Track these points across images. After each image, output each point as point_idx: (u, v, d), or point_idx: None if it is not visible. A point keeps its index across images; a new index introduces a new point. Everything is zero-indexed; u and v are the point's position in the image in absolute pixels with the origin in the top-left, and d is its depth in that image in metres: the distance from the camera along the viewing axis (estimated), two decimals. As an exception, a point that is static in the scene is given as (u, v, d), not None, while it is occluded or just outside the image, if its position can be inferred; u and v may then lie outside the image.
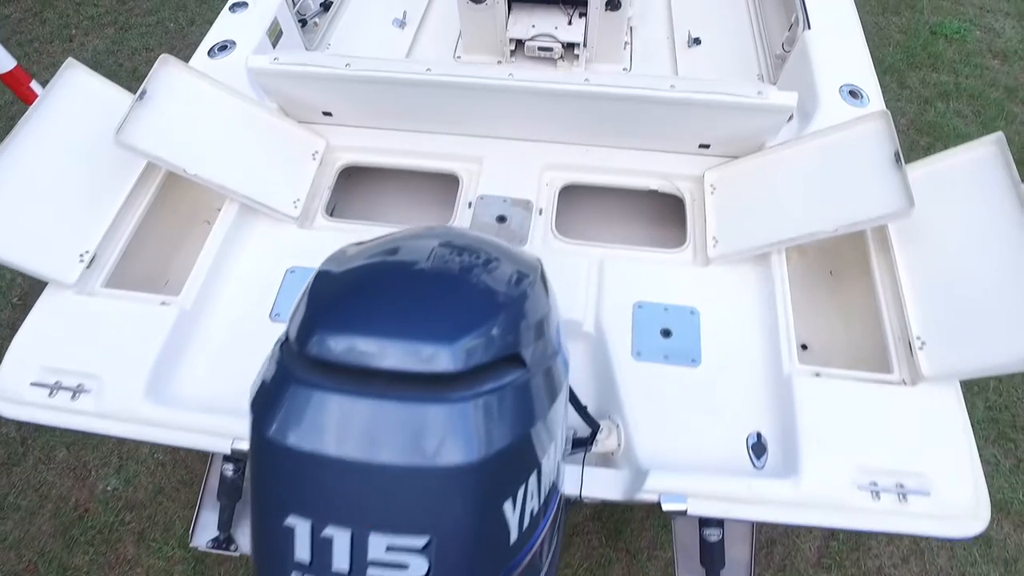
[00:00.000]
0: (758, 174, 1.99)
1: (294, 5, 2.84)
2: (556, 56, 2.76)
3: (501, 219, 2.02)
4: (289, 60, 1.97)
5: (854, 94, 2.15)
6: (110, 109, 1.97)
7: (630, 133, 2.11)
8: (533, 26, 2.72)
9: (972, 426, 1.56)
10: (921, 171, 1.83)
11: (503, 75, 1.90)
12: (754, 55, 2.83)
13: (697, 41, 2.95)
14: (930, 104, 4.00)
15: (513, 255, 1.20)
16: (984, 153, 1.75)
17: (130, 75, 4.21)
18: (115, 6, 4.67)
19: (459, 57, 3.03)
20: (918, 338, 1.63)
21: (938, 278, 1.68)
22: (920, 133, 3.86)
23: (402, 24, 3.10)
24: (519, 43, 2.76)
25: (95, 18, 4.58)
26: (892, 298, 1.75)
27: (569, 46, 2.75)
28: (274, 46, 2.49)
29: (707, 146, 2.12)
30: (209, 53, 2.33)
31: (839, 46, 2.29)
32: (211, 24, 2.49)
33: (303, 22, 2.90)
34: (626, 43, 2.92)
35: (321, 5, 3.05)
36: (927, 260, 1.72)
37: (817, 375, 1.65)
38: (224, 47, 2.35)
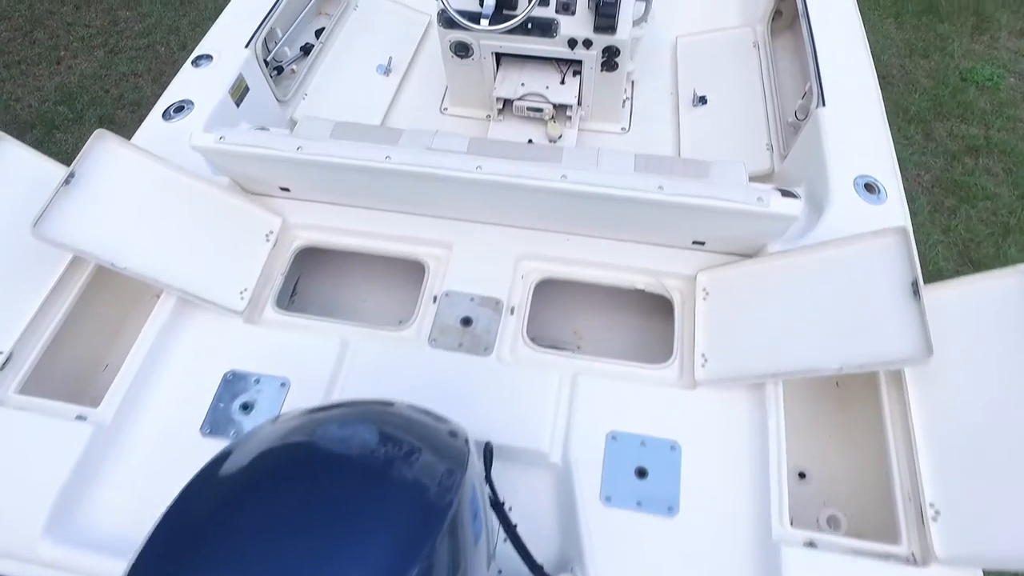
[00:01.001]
0: (756, 284, 1.76)
1: (269, 51, 2.66)
2: (546, 117, 2.55)
3: (466, 322, 1.82)
4: (235, 140, 1.77)
5: (870, 188, 1.91)
6: (39, 188, 1.79)
7: (615, 225, 1.89)
8: (523, 84, 2.51)
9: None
10: (944, 294, 1.59)
11: (470, 168, 1.69)
12: (764, 120, 2.59)
13: (703, 100, 2.72)
14: (957, 159, 3.73)
15: (439, 448, 1.00)
16: (1019, 283, 1.51)
17: (115, 102, 4.07)
18: (107, 27, 4.53)
19: (446, 109, 2.84)
20: (931, 505, 1.40)
21: (959, 433, 1.44)
22: (945, 192, 3.59)
23: (387, 71, 2.90)
24: (508, 101, 2.55)
25: (85, 39, 4.44)
26: (904, 447, 1.52)
27: (561, 106, 2.53)
28: (238, 104, 2.30)
29: (702, 243, 1.89)
30: (164, 115, 2.15)
31: (856, 128, 2.05)
32: None
33: (279, 69, 2.71)
34: (625, 100, 2.70)
35: (301, 49, 2.86)
36: (946, 409, 1.48)
37: (811, 544, 1.42)
38: (181, 108, 2.17)
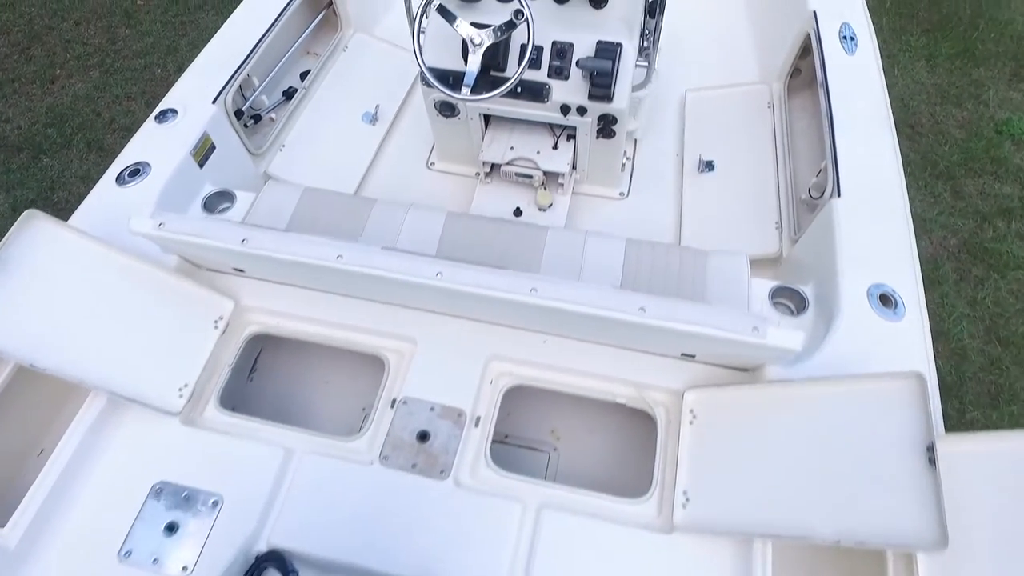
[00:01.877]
0: (749, 414, 1.55)
1: (246, 98, 2.50)
2: (537, 184, 2.35)
3: (423, 437, 1.63)
4: (176, 228, 1.61)
5: (886, 300, 1.69)
6: None
7: (596, 332, 1.69)
8: (512, 148, 2.32)
9: None
10: (966, 450, 1.38)
11: (430, 274, 1.50)
12: (775, 193, 2.38)
13: (710, 165, 2.51)
14: (988, 222, 3.47)
15: None
16: None
17: (106, 126, 3.94)
18: (104, 45, 4.41)
19: (433, 164, 2.65)
20: None
21: None
22: (973, 259, 3.33)
23: (374, 119, 2.73)
24: (496, 165, 2.36)
25: (82, 58, 4.32)
26: None
27: (553, 173, 2.34)
28: (202, 165, 2.14)
29: (692, 356, 1.69)
30: (118, 179, 1.99)
31: (875, 226, 1.83)
32: None
33: (256, 118, 2.55)
34: (625, 163, 2.50)
35: (284, 94, 2.70)
36: None
37: None
38: (136, 171, 2.01)
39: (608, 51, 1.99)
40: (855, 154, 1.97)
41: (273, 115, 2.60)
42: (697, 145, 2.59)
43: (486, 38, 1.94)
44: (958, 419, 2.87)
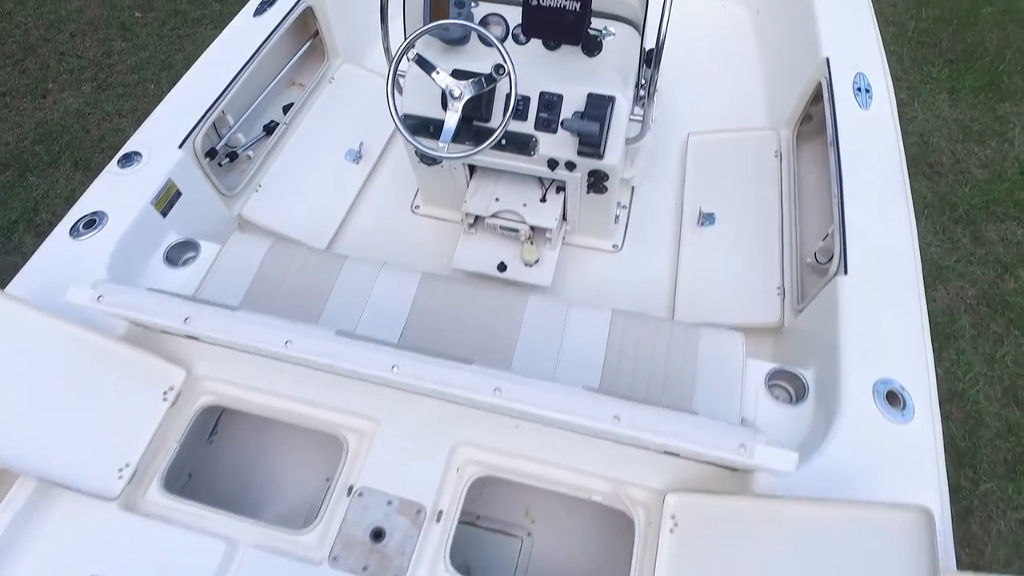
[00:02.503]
0: (735, 529, 1.40)
1: (221, 136, 2.37)
2: (522, 238, 2.21)
3: (377, 535, 1.49)
4: (115, 301, 1.48)
5: (893, 398, 1.53)
6: None
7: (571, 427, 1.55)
8: (497, 199, 2.17)
9: None
10: None
11: (385, 367, 1.36)
12: (778, 252, 2.21)
13: (710, 219, 2.35)
14: (1010, 272, 3.27)
15: None
16: None
17: (95, 145, 3.85)
18: (99, 59, 4.32)
19: (418, 208, 2.52)
20: None
21: None
22: (993, 312, 3.14)
23: (358, 157, 2.60)
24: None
25: (75, 72, 4.23)
26: None
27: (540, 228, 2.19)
28: (165, 214, 2.02)
29: (675, 454, 1.54)
30: (72, 231, 1.87)
31: (884, 310, 1.67)
32: None
33: (233, 155, 2.43)
34: (618, 215, 2.35)
35: (264, 128, 2.57)
36: None
37: None
38: (92, 222, 1.89)
39: (599, 105, 1.84)
40: (866, 227, 1.81)
41: (251, 152, 2.48)
42: (698, 195, 2.43)
43: (466, 91, 1.80)
44: (971, 490, 2.69)
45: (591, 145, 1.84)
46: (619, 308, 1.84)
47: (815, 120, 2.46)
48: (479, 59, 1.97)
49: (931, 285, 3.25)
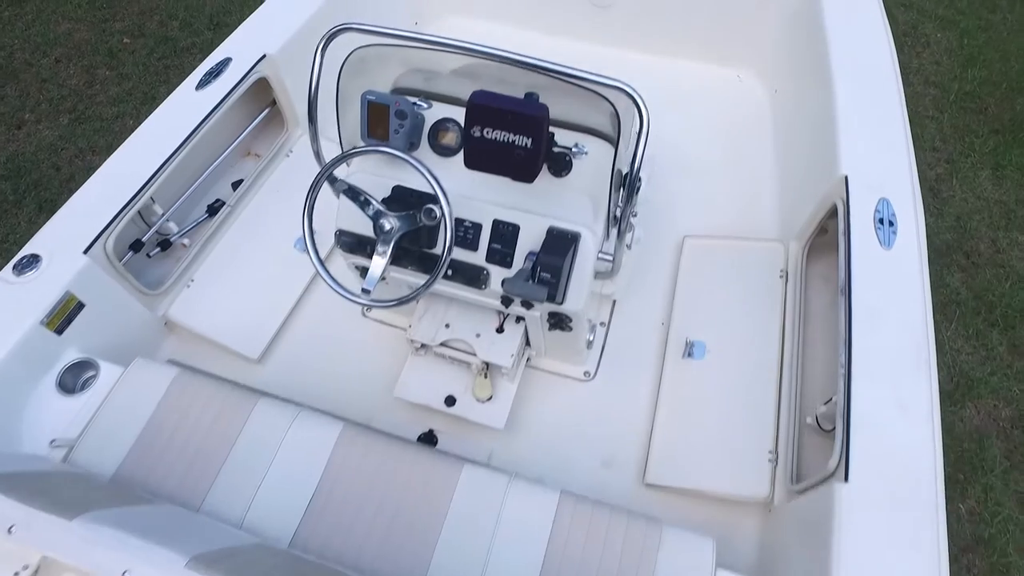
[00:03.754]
0: None
1: (150, 225, 2.12)
2: (476, 371, 1.91)
3: None
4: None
5: None
6: None
7: None
8: (447, 326, 1.88)
9: None
10: None
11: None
12: (773, 405, 1.88)
13: (698, 349, 2.03)
14: (1052, 391, 2.89)
15: None
16: None
17: (64, 184, 3.64)
18: (80, 88, 4.12)
19: (369, 310, 2.23)
20: None
21: None
22: (1029, 440, 2.76)
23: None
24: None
25: (54, 101, 4.04)
26: None
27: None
28: (61, 332, 1.76)
29: None
30: None
31: (892, 539, 1.34)
32: None
33: (165, 244, 2.17)
34: (591, 341, 2.03)
35: (209, 209, 2.31)
36: None
37: None
38: None
39: (559, 246, 1.54)
40: (876, 415, 1.48)
41: (187, 240, 2.22)
42: (686, 316, 2.10)
43: (396, 228, 1.51)
44: (993, 665, 2.33)
45: (549, 283, 1.53)
46: (569, 489, 1.54)
47: (831, 233, 2.13)
48: (432, 168, 1.68)
49: (959, 401, 2.88)
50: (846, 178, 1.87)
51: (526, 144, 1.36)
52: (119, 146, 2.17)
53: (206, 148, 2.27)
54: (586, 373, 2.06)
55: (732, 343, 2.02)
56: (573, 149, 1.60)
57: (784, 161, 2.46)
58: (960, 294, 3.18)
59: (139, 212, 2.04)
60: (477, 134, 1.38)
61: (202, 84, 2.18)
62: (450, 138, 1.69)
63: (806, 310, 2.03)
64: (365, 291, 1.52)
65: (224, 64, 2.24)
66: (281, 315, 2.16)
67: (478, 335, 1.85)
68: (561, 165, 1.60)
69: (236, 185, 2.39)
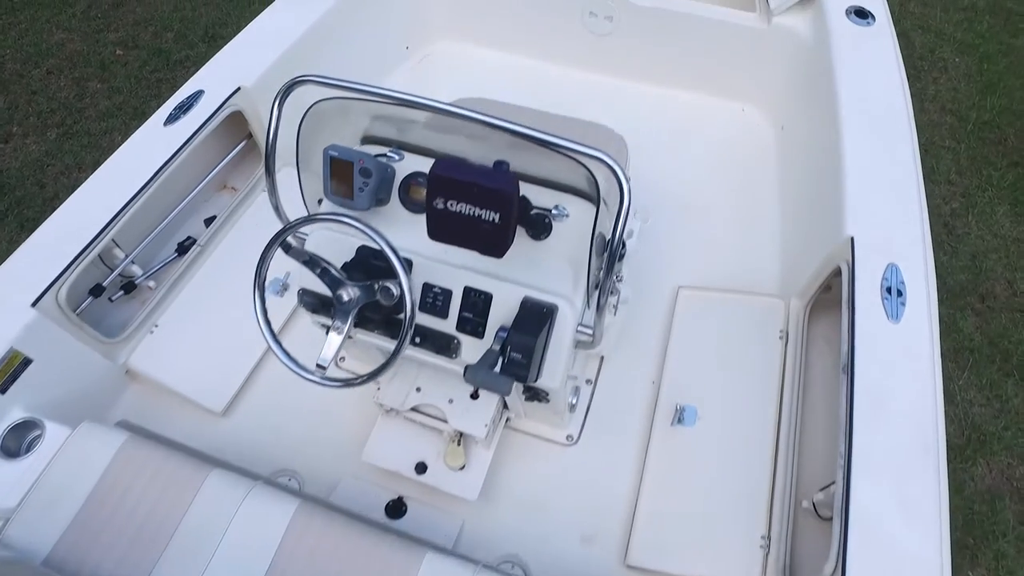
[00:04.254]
0: None
1: (112, 268, 2.01)
2: (448, 438, 1.79)
3: None
4: None
5: None
6: None
7: None
8: (418, 389, 1.76)
9: None
10: None
11: None
12: (767, 484, 1.75)
13: (689, 415, 1.90)
14: (1070, 449, 2.72)
15: None
16: None
17: (47, 203, 3.55)
18: (70, 101, 4.03)
19: (343, 359, 2.11)
20: None
21: None
22: (1045, 503, 2.60)
23: (283, 288, 2.18)
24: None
25: (43, 115, 3.95)
26: None
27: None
28: (5, 390, 1.65)
29: None
30: None
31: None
32: None
33: (129, 286, 2.06)
34: (574, 404, 1.91)
35: (178, 248, 2.20)
36: None
37: None
38: None
39: (533, 321, 1.41)
40: (878, 515, 1.34)
41: (153, 281, 2.11)
42: (678, 377, 1.97)
43: (355, 296, 1.39)
44: None
45: (520, 364, 1.40)
46: (545, 567, 1.42)
47: (835, 290, 1.98)
48: (401, 226, 1.56)
49: (970, 458, 2.72)
50: (852, 240, 1.73)
51: (493, 219, 1.24)
52: (102, 164, 2.07)
53: (176, 183, 2.16)
54: (569, 437, 1.93)
55: (725, 410, 1.88)
56: (553, 211, 1.48)
57: (788, 207, 2.32)
58: (974, 340, 3.02)
59: (100, 255, 1.93)
60: (440, 206, 1.26)
61: (171, 119, 2.07)
62: (423, 193, 1.57)
63: (806, 376, 1.90)
64: (320, 367, 1.40)
65: (195, 97, 2.13)
66: (248, 365, 2.05)
67: (451, 401, 1.73)
68: (540, 228, 1.48)
69: (209, 222, 2.28)
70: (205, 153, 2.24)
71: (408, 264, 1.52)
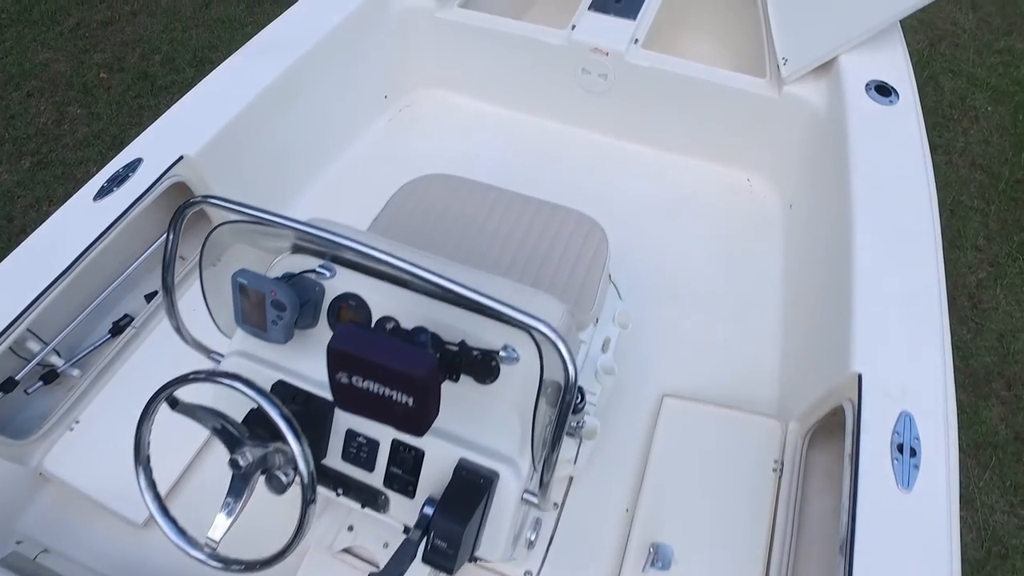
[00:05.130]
0: None
1: (27, 359, 1.81)
2: None
3: None
4: None
5: None
6: None
7: None
8: (350, 528, 1.54)
9: None
10: None
11: None
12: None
13: (664, 557, 1.66)
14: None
15: None
16: None
17: (15, 236, 3.38)
18: (48, 127, 3.86)
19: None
20: None
21: None
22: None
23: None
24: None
25: (20, 141, 3.79)
26: None
27: None
28: None
29: None
30: None
31: None
32: None
33: (50, 376, 1.86)
34: (532, 540, 1.67)
35: (113, 327, 2.00)
36: None
37: None
38: None
39: (468, 494, 1.18)
40: None
41: (78, 370, 1.91)
42: (656, 507, 1.73)
43: (253, 461, 1.17)
44: None
45: (443, 554, 1.17)
46: None
47: (839, 416, 1.73)
48: (309, 355, 1.35)
49: (989, 575, 2.45)
50: (860, 377, 1.48)
51: (407, 402, 1.01)
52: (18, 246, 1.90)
53: (111, 256, 1.96)
54: (527, 573, 1.70)
55: (706, 552, 1.64)
56: (501, 353, 1.25)
57: (792, 308, 2.06)
58: (998, 434, 2.74)
59: (12, 348, 1.74)
60: (344, 380, 1.04)
61: (102, 192, 1.87)
62: (355, 316, 1.35)
63: (801, 516, 1.65)
64: (211, 542, 1.18)
65: (133, 166, 1.93)
66: (178, 468, 1.84)
67: (386, 545, 1.51)
68: (485, 372, 1.25)
69: (151, 297, 2.08)
70: (147, 220, 2.04)
71: (331, 405, 1.30)
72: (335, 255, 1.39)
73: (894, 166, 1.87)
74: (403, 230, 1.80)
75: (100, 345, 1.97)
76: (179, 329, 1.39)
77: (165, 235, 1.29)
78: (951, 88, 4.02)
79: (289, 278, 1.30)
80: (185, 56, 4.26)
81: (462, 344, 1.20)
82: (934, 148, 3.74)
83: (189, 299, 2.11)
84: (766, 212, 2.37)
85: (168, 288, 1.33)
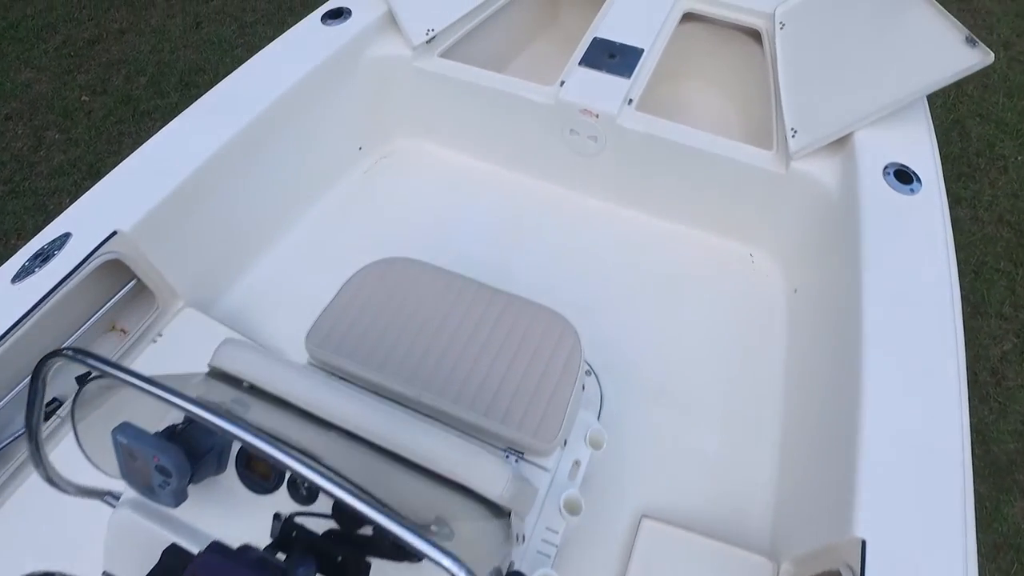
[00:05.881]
0: None
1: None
2: None
3: None
4: None
5: None
6: None
7: None
8: None
9: None
10: None
11: None
12: None
13: None
14: None
15: None
16: None
17: (-21, 274, 3.23)
18: (24, 153, 3.71)
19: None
20: None
21: None
22: None
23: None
24: None
25: (-6, 168, 3.65)
26: None
27: None
28: None
29: None
30: None
31: None
32: None
33: None
34: None
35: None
36: None
37: None
38: None
39: None
40: None
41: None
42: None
43: None
44: None
45: None
46: None
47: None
48: (237, 506, 1.16)
49: None
50: (863, 544, 1.26)
51: None
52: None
53: (40, 330, 1.79)
54: None
55: None
56: (433, 527, 1.05)
57: (793, 425, 1.83)
58: (1021, 533, 2.50)
59: None
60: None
61: (23, 273, 1.69)
62: (267, 468, 1.16)
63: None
64: None
65: (60, 243, 1.75)
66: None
67: None
68: (409, 556, 1.05)
69: (83, 379, 1.90)
70: (83, 294, 1.86)
71: None
72: (242, 421, 1.19)
73: (912, 268, 1.65)
74: (353, 325, 1.61)
75: (21, 435, 1.79)
76: (51, 480, 1.20)
77: (29, 384, 1.09)
78: (978, 134, 3.76)
79: (180, 432, 1.11)
80: (171, 79, 4.09)
81: (376, 533, 1.00)
82: (958, 201, 3.48)
83: (141, 366, 1.93)
84: (769, 294, 2.14)
85: (32, 435, 1.13)
